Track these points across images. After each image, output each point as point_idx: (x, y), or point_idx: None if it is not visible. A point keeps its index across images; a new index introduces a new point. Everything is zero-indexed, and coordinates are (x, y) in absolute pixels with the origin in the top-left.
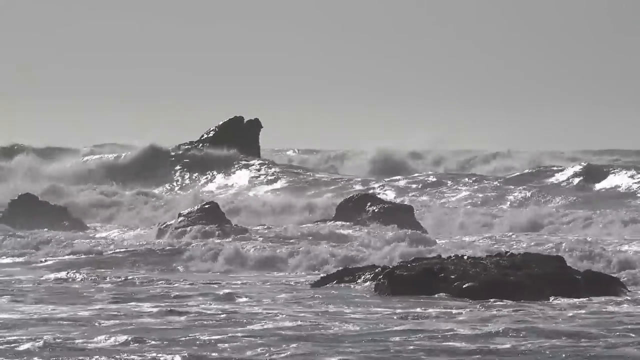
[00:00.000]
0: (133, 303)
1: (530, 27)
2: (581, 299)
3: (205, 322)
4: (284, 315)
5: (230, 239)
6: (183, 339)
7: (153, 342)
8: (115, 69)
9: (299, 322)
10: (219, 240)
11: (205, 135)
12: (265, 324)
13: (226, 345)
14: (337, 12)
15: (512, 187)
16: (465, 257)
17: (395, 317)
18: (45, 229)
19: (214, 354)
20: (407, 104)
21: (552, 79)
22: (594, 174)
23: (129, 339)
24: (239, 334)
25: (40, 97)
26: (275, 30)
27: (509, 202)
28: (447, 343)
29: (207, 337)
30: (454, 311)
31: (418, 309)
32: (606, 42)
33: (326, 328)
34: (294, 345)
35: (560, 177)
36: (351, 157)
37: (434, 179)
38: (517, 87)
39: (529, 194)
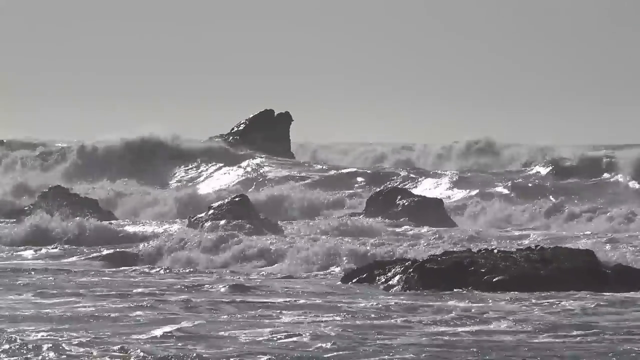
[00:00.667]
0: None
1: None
2: (614, 294)
3: None
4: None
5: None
6: None
7: None
8: (147, 61)
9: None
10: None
11: (236, 129)
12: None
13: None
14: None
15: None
16: (495, 251)
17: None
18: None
19: None
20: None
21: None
22: None
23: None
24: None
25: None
26: (302, 27)
27: None
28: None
29: None
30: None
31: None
32: None
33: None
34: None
35: None
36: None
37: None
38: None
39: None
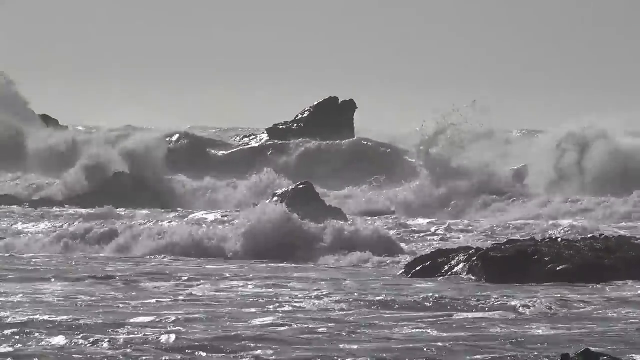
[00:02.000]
0: None
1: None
2: None
3: None
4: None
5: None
6: None
7: None
8: (207, 50)
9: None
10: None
11: (300, 116)
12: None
13: None
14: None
15: None
16: (559, 240)
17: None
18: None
19: None
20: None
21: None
22: None
23: None
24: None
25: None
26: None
27: None
28: None
29: None
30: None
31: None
32: None
33: None
34: None
35: None
36: None
37: None
38: None
39: None
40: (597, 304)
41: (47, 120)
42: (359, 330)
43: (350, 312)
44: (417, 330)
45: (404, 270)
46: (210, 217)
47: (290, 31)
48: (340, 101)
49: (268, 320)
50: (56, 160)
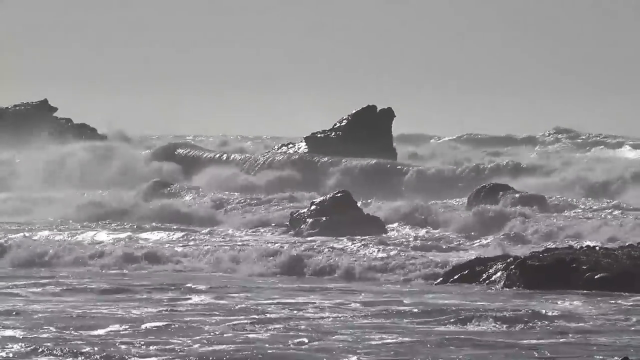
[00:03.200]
0: None
1: None
2: None
3: None
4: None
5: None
6: None
7: None
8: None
9: None
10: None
11: (339, 124)
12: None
13: None
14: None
15: None
16: (597, 248)
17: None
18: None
19: None
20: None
21: None
22: None
23: None
24: None
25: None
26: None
27: None
28: None
29: None
30: None
31: None
32: None
33: None
34: None
35: None
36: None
37: None
38: None
39: None
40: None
41: (84, 129)
42: None
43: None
44: None
45: (442, 278)
46: None
47: (329, 41)
48: (378, 109)
49: None
50: None
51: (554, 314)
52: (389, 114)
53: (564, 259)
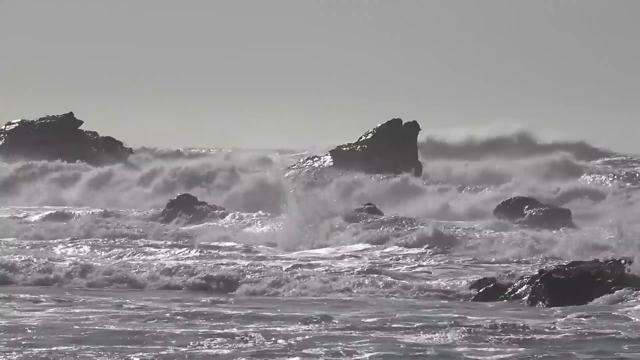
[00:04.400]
0: None
1: None
2: None
3: None
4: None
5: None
6: None
7: None
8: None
9: None
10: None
11: (364, 137)
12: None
13: None
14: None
15: None
16: (623, 262)
17: None
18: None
19: None
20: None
21: None
22: None
23: None
24: None
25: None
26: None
27: None
28: None
29: None
30: None
31: None
32: None
33: None
34: None
35: None
36: None
37: None
38: None
39: None
40: None
41: (111, 143)
42: None
43: None
44: None
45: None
46: None
47: (357, 53)
48: (403, 123)
49: None
50: None
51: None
52: (414, 127)
53: (590, 272)
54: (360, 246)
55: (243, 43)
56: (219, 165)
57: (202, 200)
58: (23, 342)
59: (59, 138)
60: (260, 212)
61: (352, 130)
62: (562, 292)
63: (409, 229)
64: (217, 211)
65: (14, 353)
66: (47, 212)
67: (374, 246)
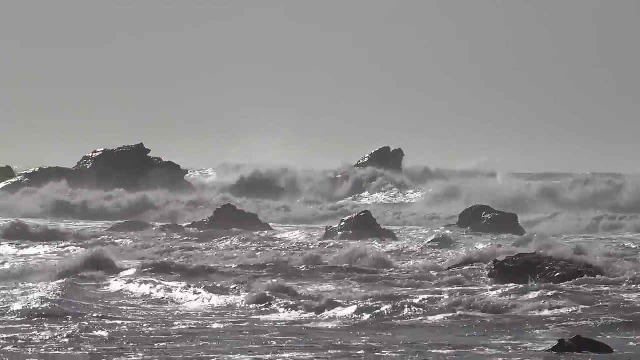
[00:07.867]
0: None
1: None
2: None
3: None
4: None
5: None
6: None
7: None
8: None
9: None
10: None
11: (361, 161)
12: None
13: None
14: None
15: None
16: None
17: None
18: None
19: None
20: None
21: None
22: None
23: None
24: None
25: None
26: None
27: None
28: None
29: None
30: None
31: None
32: None
33: None
34: None
35: None
36: None
37: None
38: None
39: None
40: None
41: (172, 166)
42: None
43: None
44: None
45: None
46: None
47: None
48: (391, 150)
49: None
50: None
51: None
52: (399, 153)
53: (531, 261)
54: None
55: (251, 67)
56: None
57: None
58: None
59: (133, 165)
60: None
61: None
62: (509, 275)
63: None
64: None
65: None
66: None
67: None
